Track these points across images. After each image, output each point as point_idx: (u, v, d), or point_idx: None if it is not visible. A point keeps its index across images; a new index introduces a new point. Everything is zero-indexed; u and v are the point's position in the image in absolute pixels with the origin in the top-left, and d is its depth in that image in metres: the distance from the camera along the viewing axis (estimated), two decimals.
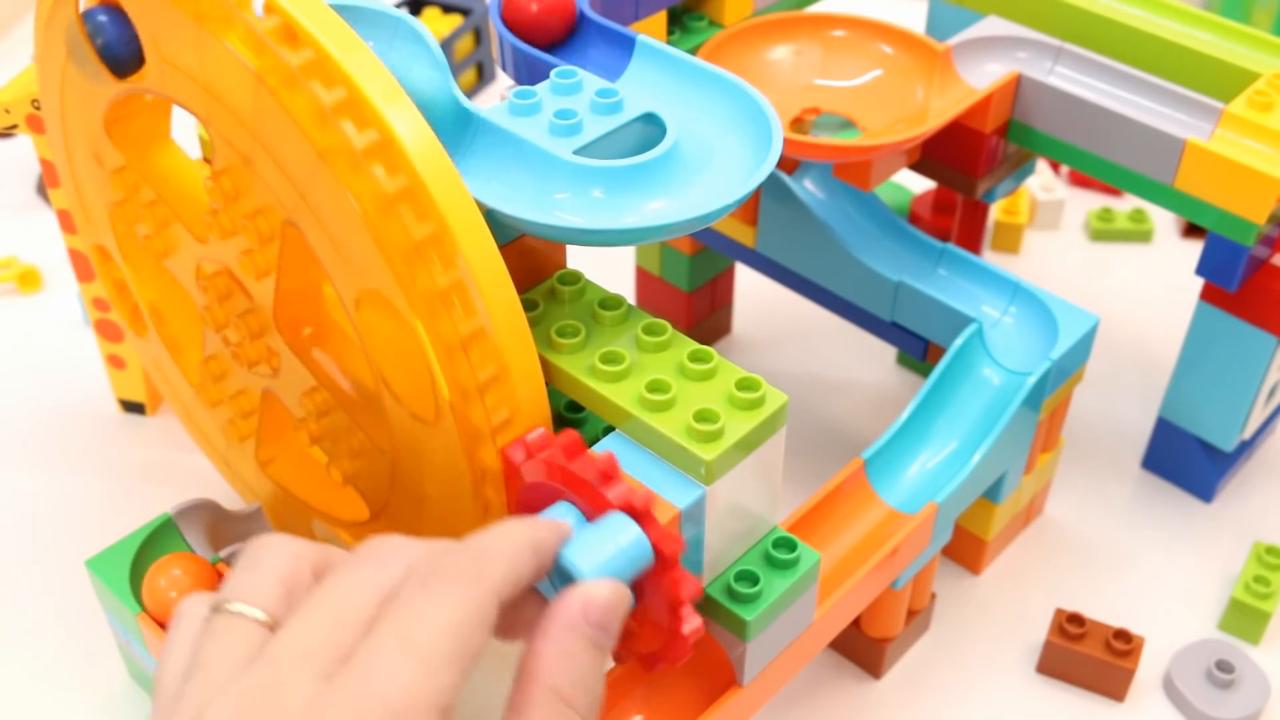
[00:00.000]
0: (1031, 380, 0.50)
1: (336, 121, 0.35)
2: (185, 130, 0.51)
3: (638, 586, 0.37)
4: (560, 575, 0.35)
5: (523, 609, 0.34)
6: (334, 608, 0.30)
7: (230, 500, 0.58)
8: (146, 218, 0.47)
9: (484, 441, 0.39)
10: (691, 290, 0.67)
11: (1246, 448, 0.61)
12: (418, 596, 0.30)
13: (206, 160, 0.49)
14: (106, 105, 0.45)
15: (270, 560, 0.32)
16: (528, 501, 0.38)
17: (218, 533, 0.51)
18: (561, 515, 0.37)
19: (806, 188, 0.58)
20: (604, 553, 0.34)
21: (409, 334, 0.37)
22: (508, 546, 0.32)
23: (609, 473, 0.35)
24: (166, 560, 0.47)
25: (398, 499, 0.44)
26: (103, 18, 0.42)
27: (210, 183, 0.42)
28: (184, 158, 0.48)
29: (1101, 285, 0.75)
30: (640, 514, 0.35)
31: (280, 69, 0.36)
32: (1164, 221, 0.80)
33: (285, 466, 0.52)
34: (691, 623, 0.36)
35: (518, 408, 0.38)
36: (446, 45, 0.87)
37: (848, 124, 0.56)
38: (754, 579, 0.41)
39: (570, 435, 0.37)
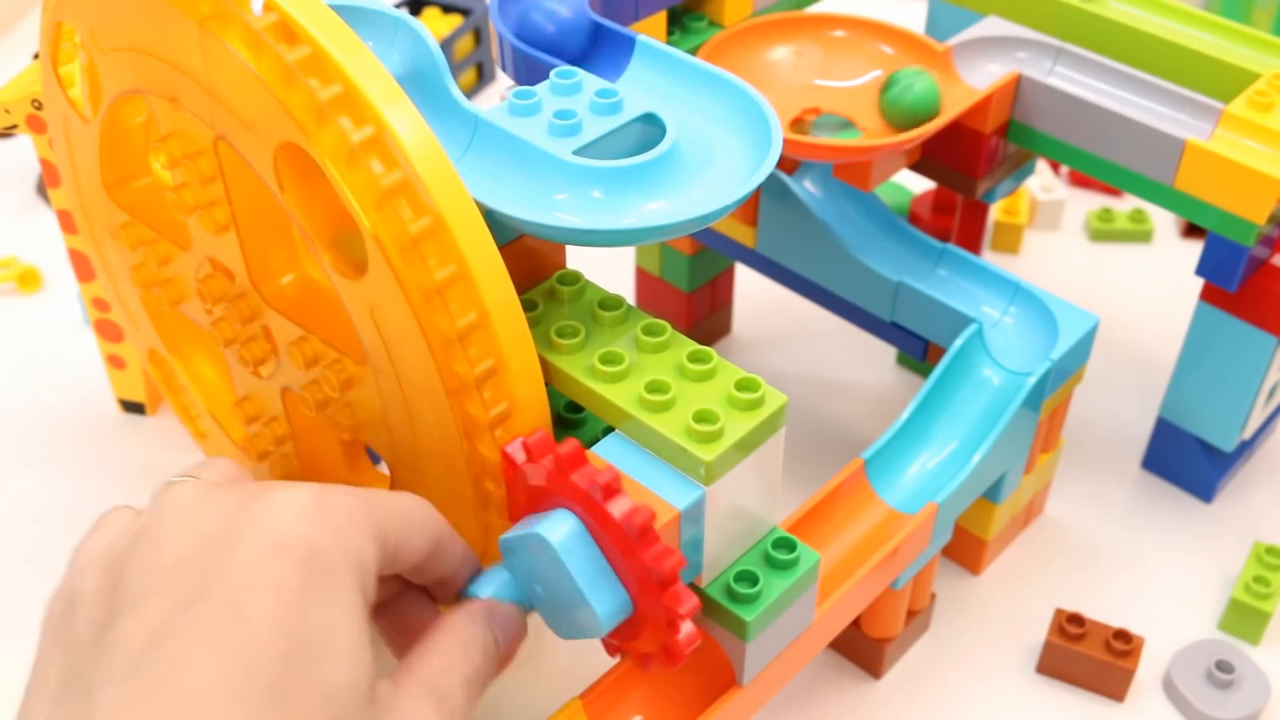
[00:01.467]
0: (1031, 380, 0.50)
1: (270, 44, 0.36)
2: None
3: (636, 597, 0.37)
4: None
5: (419, 616, 0.38)
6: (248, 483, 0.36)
7: None
8: (151, 260, 0.48)
9: (482, 434, 0.38)
10: (691, 290, 0.67)
11: (1246, 448, 0.61)
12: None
13: None
14: (98, 147, 0.47)
15: (218, 463, 0.37)
16: (531, 502, 0.38)
17: None
18: (561, 520, 0.37)
19: (806, 188, 0.58)
20: (503, 580, 0.38)
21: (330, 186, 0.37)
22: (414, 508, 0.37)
23: (612, 487, 0.35)
24: None
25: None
26: None
27: (157, 146, 0.43)
28: (161, 183, 0.49)
29: (1101, 285, 0.75)
30: (641, 530, 0.35)
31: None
32: (1164, 221, 0.80)
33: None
34: (687, 630, 0.36)
35: (515, 400, 0.38)
36: (446, 45, 0.87)
37: (848, 124, 0.56)
38: (754, 579, 0.41)
39: (572, 444, 0.37)
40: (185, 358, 0.54)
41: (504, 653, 0.37)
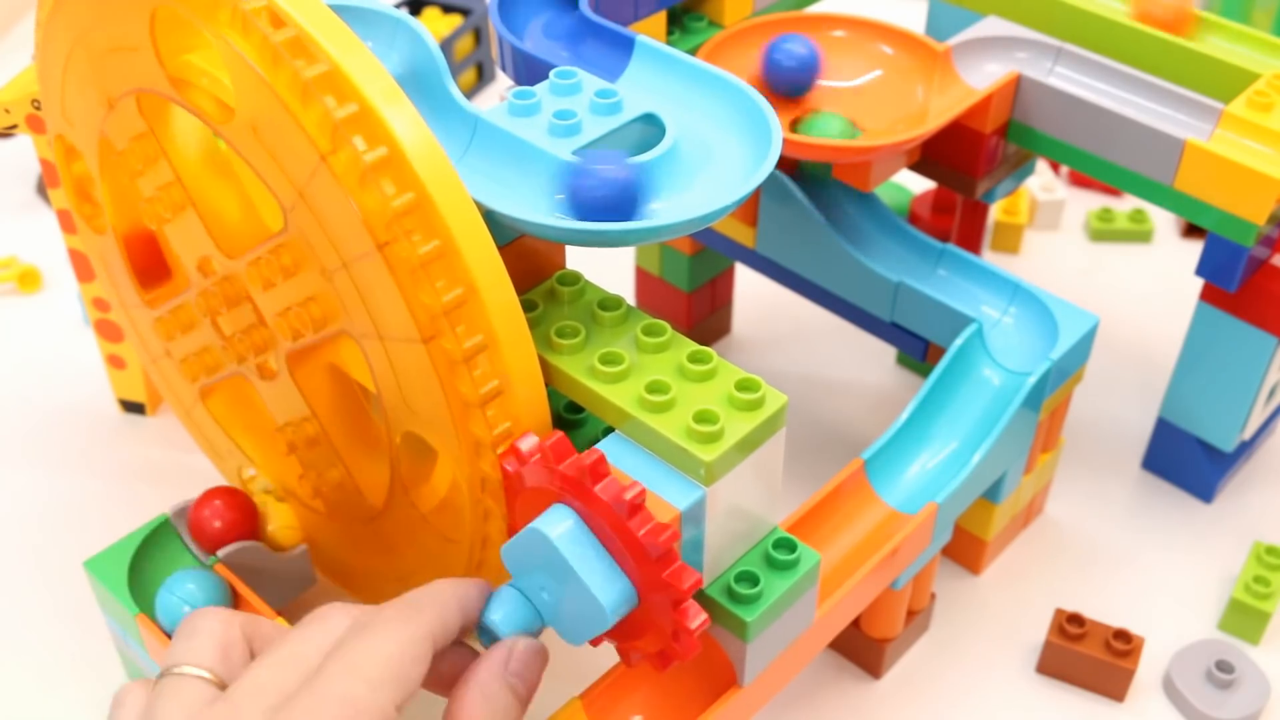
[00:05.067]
0: (1031, 380, 0.50)
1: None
2: None
3: (644, 599, 0.37)
4: (484, 633, 0.38)
5: (453, 662, 0.38)
6: (285, 657, 0.34)
7: None
8: (164, 201, 0.48)
9: (484, 452, 0.39)
10: (691, 290, 0.67)
11: (1246, 448, 0.61)
12: (360, 639, 0.34)
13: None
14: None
15: (204, 627, 0.36)
16: (531, 506, 0.38)
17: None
18: (561, 518, 0.37)
19: (806, 188, 0.58)
20: (514, 607, 0.38)
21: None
22: (437, 599, 0.36)
23: (597, 470, 0.36)
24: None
25: (398, 501, 0.45)
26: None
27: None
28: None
29: (1101, 285, 0.75)
30: (631, 508, 0.35)
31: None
32: (1164, 221, 0.80)
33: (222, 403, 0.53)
34: (697, 617, 0.36)
35: (519, 419, 0.38)
36: (446, 45, 0.87)
37: (849, 124, 0.56)
38: (754, 580, 0.41)
39: (557, 436, 0.37)
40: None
41: (527, 694, 0.37)
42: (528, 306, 0.42)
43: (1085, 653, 0.52)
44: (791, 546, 0.41)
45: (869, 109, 0.56)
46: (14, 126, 0.54)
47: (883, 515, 0.49)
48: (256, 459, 0.53)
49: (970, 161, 0.57)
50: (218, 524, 0.49)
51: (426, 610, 0.35)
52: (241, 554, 0.49)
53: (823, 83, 0.57)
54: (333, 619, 0.35)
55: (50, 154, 0.55)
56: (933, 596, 0.54)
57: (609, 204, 0.38)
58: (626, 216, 0.39)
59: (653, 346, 0.40)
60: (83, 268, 0.59)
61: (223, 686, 0.34)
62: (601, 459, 0.36)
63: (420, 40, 0.43)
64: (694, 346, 0.40)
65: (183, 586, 0.47)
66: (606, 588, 0.37)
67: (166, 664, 0.34)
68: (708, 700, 0.43)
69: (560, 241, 0.39)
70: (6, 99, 0.53)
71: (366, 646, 0.33)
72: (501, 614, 0.38)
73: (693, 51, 0.55)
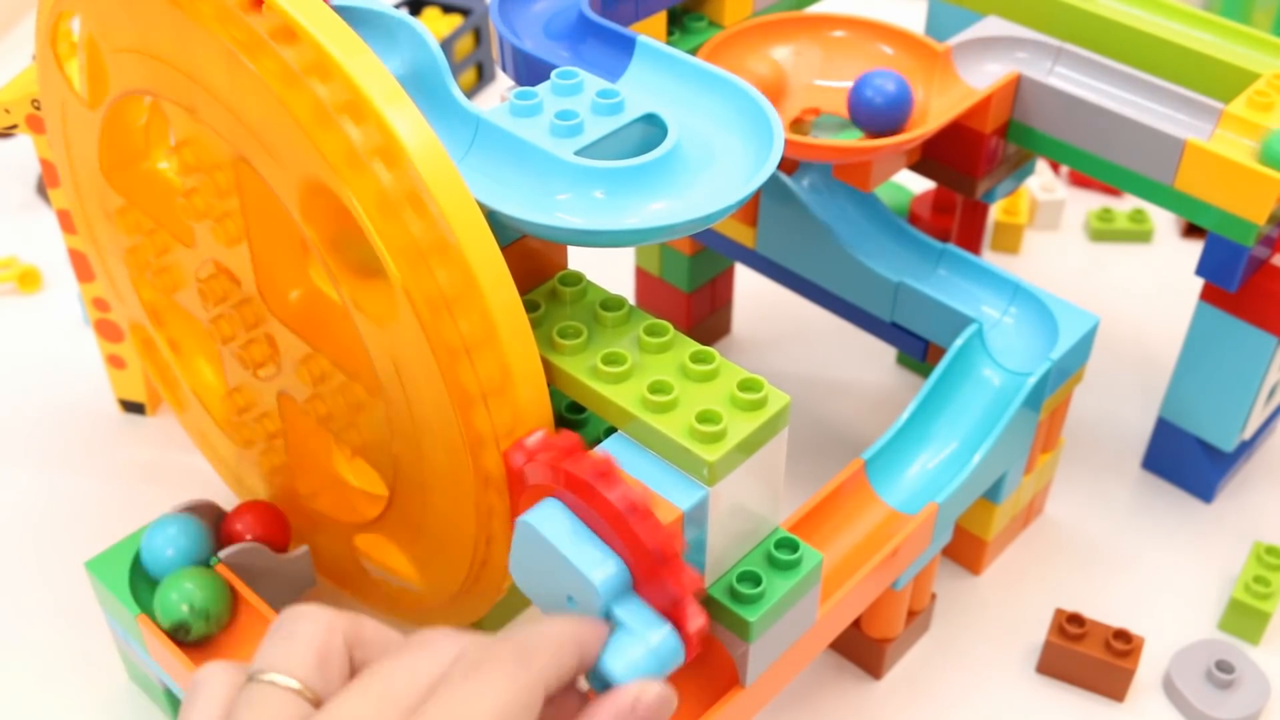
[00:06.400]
0: (1031, 381, 0.50)
1: (307, 81, 0.36)
2: None
3: (638, 588, 0.37)
4: (596, 678, 0.35)
5: (564, 705, 0.34)
6: (383, 688, 0.31)
7: (230, 501, 0.58)
8: (148, 247, 0.48)
9: (487, 447, 0.39)
10: (691, 291, 0.67)
11: (1246, 448, 0.61)
12: (467, 681, 0.31)
13: None
14: (99, 134, 0.46)
15: (304, 630, 0.32)
16: (531, 502, 0.38)
17: (217, 534, 0.51)
18: (546, 507, 0.37)
19: (806, 188, 0.58)
20: (636, 655, 0.35)
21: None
22: (554, 640, 0.33)
23: (605, 472, 0.35)
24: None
25: (401, 499, 0.45)
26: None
27: (173, 157, 0.43)
28: (165, 175, 0.49)
29: (1101, 285, 0.75)
30: (639, 513, 0.35)
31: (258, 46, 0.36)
32: (1164, 221, 0.80)
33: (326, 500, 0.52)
34: (696, 620, 0.36)
35: (520, 412, 0.38)
36: (446, 45, 0.87)
37: (848, 124, 0.56)
38: (756, 580, 0.41)
39: (569, 437, 0.37)
40: (172, 337, 0.53)
41: None
42: (530, 307, 0.42)
43: (1085, 653, 0.52)
44: (794, 546, 0.41)
45: None
46: (14, 126, 0.54)
47: (883, 515, 0.49)
48: (176, 359, 0.53)
49: (970, 161, 0.57)
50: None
51: (541, 655, 0.32)
52: (242, 555, 0.49)
53: (822, 83, 0.57)
54: (440, 647, 0.32)
55: (50, 154, 0.55)
56: (933, 597, 0.54)
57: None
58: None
59: (655, 347, 0.40)
60: (83, 268, 0.59)
61: (316, 701, 0.31)
62: (610, 462, 0.36)
63: (422, 41, 0.43)
64: (696, 346, 0.40)
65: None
66: (596, 566, 0.36)
67: (257, 667, 0.32)
68: (709, 701, 0.43)
69: (562, 242, 0.40)
70: (6, 99, 0.53)
71: (473, 693, 0.30)
72: (623, 663, 0.35)
73: (693, 52, 0.55)
